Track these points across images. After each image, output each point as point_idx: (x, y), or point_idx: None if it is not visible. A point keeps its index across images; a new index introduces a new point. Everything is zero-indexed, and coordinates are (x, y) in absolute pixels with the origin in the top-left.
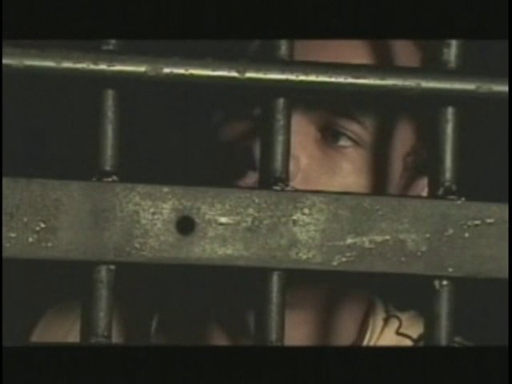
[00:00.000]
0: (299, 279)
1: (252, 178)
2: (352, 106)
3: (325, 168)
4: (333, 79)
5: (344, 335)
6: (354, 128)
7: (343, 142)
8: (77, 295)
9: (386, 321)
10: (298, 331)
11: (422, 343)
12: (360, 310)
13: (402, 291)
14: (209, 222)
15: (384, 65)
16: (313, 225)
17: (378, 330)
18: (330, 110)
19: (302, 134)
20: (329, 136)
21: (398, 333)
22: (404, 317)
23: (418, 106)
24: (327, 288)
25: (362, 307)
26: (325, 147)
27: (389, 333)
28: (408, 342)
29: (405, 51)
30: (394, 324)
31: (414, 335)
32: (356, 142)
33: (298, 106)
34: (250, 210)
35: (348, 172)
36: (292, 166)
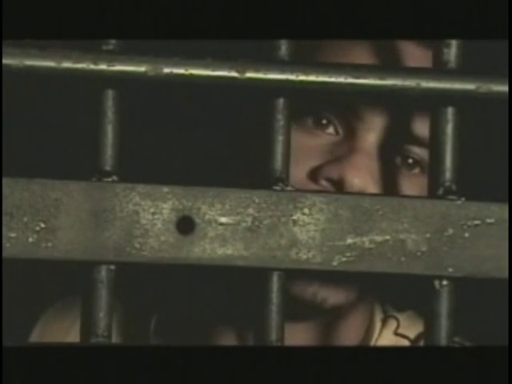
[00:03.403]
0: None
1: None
2: (423, 132)
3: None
4: (333, 79)
5: (349, 339)
6: (424, 155)
7: (416, 170)
8: (77, 295)
9: (384, 321)
10: (302, 338)
11: (419, 343)
12: (361, 313)
13: (400, 291)
14: (209, 222)
15: (384, 65)
16: (313, 225)
17: (377, 331)
18: (401, 135)
19: (370, 158)
20: (400, 163)
21: (396, 333)
22: (401, 317)
23: (417, 106)
24: (332, 293)
25: (363, 309)
26: (392, 172)
27: (387, 333)
28: (406, 343)
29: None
30: (391, 324)
31: (412, 336)
32: (423, 168)
33: (369, 130)
34: (250, 210)
35: None
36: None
